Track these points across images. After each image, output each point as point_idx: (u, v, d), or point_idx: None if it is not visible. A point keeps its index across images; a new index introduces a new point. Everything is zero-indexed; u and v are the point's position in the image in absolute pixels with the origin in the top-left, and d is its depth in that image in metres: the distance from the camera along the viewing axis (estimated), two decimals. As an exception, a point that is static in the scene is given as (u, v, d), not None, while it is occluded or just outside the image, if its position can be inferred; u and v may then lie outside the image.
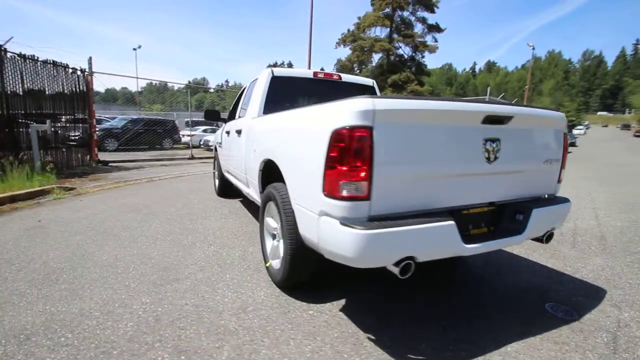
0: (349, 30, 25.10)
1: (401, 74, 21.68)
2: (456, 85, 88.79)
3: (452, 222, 1.62)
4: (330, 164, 1.55)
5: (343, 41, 25.22)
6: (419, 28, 22.38)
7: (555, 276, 2.81)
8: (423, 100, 1.61)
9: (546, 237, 2.10)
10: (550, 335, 1.97)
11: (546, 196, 2.24)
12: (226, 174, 4.78)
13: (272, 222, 2.59)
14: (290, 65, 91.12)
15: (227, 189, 5.36)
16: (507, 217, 1.99)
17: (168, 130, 17.19)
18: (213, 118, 4.71)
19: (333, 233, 1.57)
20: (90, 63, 8.77)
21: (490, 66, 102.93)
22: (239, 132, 3.48)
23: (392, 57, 22.77)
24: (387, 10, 21.27)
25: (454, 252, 1.70)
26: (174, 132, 17.88)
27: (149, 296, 2.27)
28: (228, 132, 4.18)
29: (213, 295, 2.30)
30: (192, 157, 12.14)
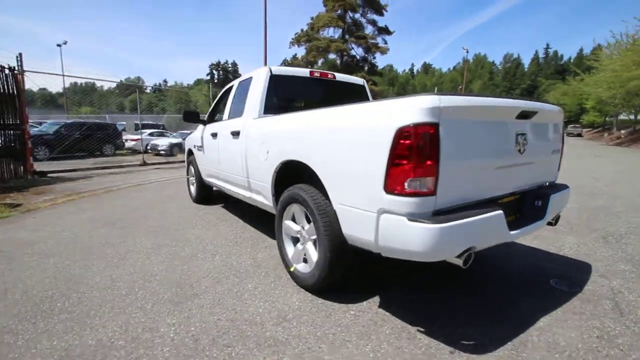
0: (302, 30, 25.14)
1: (356, 74, 22.28)
2: (397, 85, 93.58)
3: (501, 212, 1.72)
4: (396, 161, 1.55)
5: (297, 41, 25.14)
6: (369, 30, 23.41)
7: (544, 255, 3.13)
8: (478, 97, 1.69)
9: (555, 220, 2.33)
10: (567, 307, 2.20)
11: (547, 183, 2.48)
12: (208, 179, 4.50)
13: (292, 225, 2.52)
14: (234, 65, 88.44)
15: (206, 195, 5.06)
16: (529, 204, 2.17)
17: (110, 135, 15.62)
18: (192, 120, 4.43)
19: (400, 229, 1.58)
20: (20, 60, 7.63)
21: (427, 67, 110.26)
22: (235, 133, 3.31)
23: (345, 58, 23.32)
24: (339, 11, 21.70)
25: (502, 240, 1.82)
26: (116, 137, 16.31)
27: (173, 316, 2.07)
28: (214, 134, 3.94)
29: (245, 307, 2.17)
30: (144, 164, 11.20)
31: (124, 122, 22.16)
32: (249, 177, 3.15)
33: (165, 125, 23.85)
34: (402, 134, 1.53)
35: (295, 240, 2.59)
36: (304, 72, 3.46)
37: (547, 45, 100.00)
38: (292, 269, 2.49)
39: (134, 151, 17.54)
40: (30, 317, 2.06)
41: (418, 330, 1.93)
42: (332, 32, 22.78)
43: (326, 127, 1.99)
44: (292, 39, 25.25)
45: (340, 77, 3.73)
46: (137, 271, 2.71)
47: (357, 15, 22.26)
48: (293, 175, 2.53)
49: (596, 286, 2.50)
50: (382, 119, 1.63)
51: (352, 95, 3.86)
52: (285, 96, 3.28)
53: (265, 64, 14.30)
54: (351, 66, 23.08)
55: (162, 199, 5.53)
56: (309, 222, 2.36)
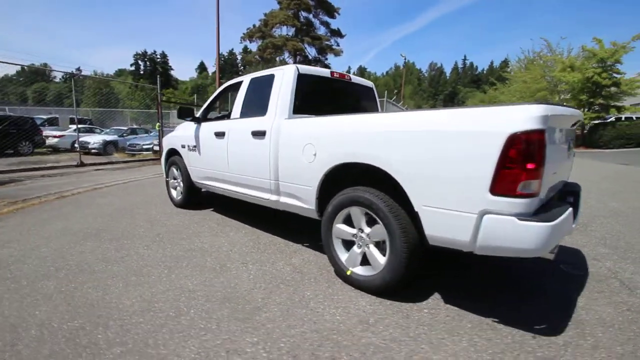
0: (254, 26, 24.28)
1: None
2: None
3: (571, 208, 1.95)
4: (508, 164, 1.65)
5: (249, 36, 24.17)
6: (322, 31, 23.62)
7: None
8: (563, 106, 1.87)
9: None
10: (589, 288, 2.55)
11: (565, 181, 2.84)
12: (205, 182, 4.15)
13: (346, 229, 2.49)
14: (164, 56, 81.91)
15: (195, 199, 4.66)
16: (564, 200, 2.46)
17: (27, 131, 13.26)
18: (187, 116, 4.05)
19: (509, 229, 1.68)
20: None
21: (362, 71, 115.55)
22: (258, 134, 3.11)
23: (298, 57, 23.17)
24: (293, 10, 21.45)
25: (568, 232, 2.04)
26: (34, 133, 13.92)
27: (251, 334, 1.89)
28: (220, 134, 3.65)
29: (319, 316, 2.08)
30: (82, 164, 9.79)
31: (44, 116, 18.97)
32: (278, 179, 3.00)
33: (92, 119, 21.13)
34: (515, 139, 1.63)
35: (347, 244, 2.56)
36: (326, 72, 3.40)
37: (465, 56, 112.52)
38: (348, 273, 2.46)
39: (55, 149, 15.21)
40: (73, 356, 1.71)
41: (494, 321, 2.07)
42: (286, 31, 22.65)
43: (413, 130, 2.01)
44: (244, 33, 24.31)
45: (355, 79, 3.76)
46: (171, 288, 2.41)
47: (310, 16, 22.46)
48: (345, 180, 2.50)
49: (596, 268, 2.93)
50: (490, 125, 1.71)
51: (364, 96, 3.92)
52: (309, 96, 3.20)
53: (218, 57, 13.55)
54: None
55: (137, 205, 4.92)
56: (369, 224, 2.36)
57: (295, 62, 22.81)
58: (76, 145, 14.51)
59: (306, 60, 23.08)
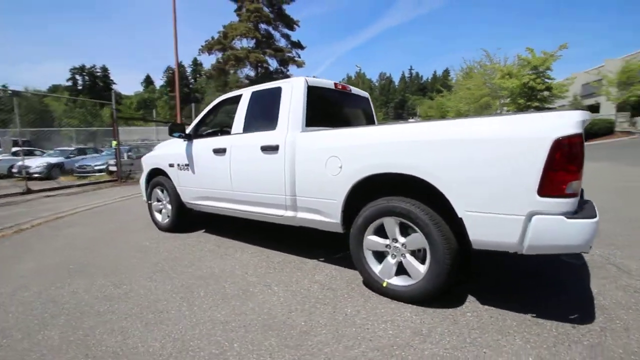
0: (213, 38, 23.41)
1: None
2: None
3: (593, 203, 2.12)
4: (556, 167, 1.75)
5: (208, 48, 23.28)
6: (282, 43, 23.55)
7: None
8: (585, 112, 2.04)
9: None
10: (594, 275, 2.77)
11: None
12: (200, 202, 3.88)
13: (378, 240, 2.47)
14: (105, 70, 76.57)
15: (185, 222, 4.35)
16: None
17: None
18: (178, 133, 3.80)
19: (558, 227, 1.78)
20: None
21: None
22: (269, 148, 3.00)
23: (259, 69, 22.80)
24: (253, 22, 21.12)
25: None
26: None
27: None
28: (220, 150, 3.45)
29: (372, 333, 2.02)
30: (29, 191, 8.70)
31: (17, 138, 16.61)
32: (295, 195, 2.91)
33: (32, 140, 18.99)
34: (560, 143, 1.74)
35: (378, 255, 2.53)
36: (330, 83, 3.40)
37: (411, 67, 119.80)
38: (384, 285, 2.43)
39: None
40: (122, 414, 1.47)
41: (533, 317, 2.16)
42: (246, 43, 22.25)
43: (455, 138, 2.05)
44: (202, 46, 23.43)
45: (353, 89, 3.79)
46: (199, 322, 2.19)
47: (270, 28, 22.33)
48: (373, 191, 2.48)
49: (589, 257, 3.20)
50: (535, 131, 1.81)
51: (362, 106, 3.97)
52: (316, 108, 3.16)
53: (177, 70, 12.95)
54: (270, 78, 22.74)
55: (114, 233, 4.46)
56: (403, 234, 2.37)
57: (257, 75, 22.58)
58: (14, 169, 12.96)
59: (267, 72, 22.93)
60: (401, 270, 2.42)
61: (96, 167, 12.56)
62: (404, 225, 2.35)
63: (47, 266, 3.28)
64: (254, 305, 2.40)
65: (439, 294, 2.26)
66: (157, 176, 4.43)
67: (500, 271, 2.92)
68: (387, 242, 2.44)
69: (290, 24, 22.93)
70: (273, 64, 22.82)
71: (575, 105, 24.52)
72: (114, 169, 11.56)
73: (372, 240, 2.49)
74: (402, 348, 1.87)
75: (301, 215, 2.94)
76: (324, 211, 2.75)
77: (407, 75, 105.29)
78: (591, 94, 31.36)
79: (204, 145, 3.74)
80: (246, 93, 3.48)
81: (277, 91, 3.15)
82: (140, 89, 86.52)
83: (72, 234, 4.52)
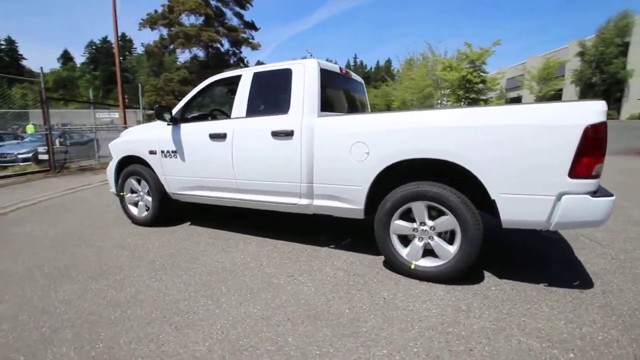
0: (157, 12, 20.64)
1: (235, 69, 20.58)
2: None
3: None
4: (586, 151, 1.94)
5: (151, 22, 20.50)
6: (235, 23, 21.86)
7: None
8: None
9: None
10: (574, 247, 3.17)
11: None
12: (190, 192, 3.57)
13: (405, 224, 2.53)
14: (11, 42, 65.19)
15: (168, 214, 3.98)
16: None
17: None
18: (166, 116, 3.42)
19: (584, 205, 1.99)
20: None
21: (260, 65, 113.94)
22: (283, 133, 2.84)
23: (209, 50, 20.95)
24: None
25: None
26: None
27: (376, 348, 1.78)
28: (218, 135, 3.18)
29: (419, 314, 2.08)
30: None
31: None
32: (313, 182, 2.82)
33: None
34: (590, 130, 1.93)
35: (403, 239, 2.59)
36: (336, 68, 3.31)
37: (355, 55, 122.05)
38: (412, 267, 2.50)
39: None
40: None
41: (545, 286, 2.41)
42: (195, 20, 20.18)
43: (489, 124, 2.15)
44: (144, 20, 20.63)
45: (352, 75, 3.75)
46: (236, 320, 2.05)
47: (221, 5, 20.47)
48: (396, 177, 2.52)
49: (571, 236, 3.59)
50: (567, 118, 1.98)
51: (360, 92, 3.95)
52: (325, 92, 3.06)
53: (117, 47, 11.47)
54: (222, 59, 21.11)
55: (81, 230, 3.91)
56: (431, 218, 2.45)
57: (207, 55, 20.85)
58: None
59: (218, 53, 21.32)
60: (427, 252, 2.52)
61: (20, 156, 10.77)
62: (431, 209, 2.43)
63: (15, 273, 2.77)
64: (287, 297, 2.31)
65: (466, 272, 2.40)
66: (131, 164, 3.96)
67: (492, 248, 3.18)
68: (414, 225, 2.51)
69: (242, 1, 21.38)
70: (225, 44, 21.47)
71: (501, 97, 27.40)
72: (44, 157, 10.02)
73: (399, 224, 2.53)
74: (453, 325, 1.96)
75: (318, 202, 2.88)
76: (346, 198, 2.72)
77: (352, 63, 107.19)
78: (515, 88, 35.23)
79: (196, 130, 3.41)
80: (246, 74, 3.23)
81: (286, 73, 2.98)
82: (57, 65, 75.52)
83: (26, 233, 3.85)
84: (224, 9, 20.16)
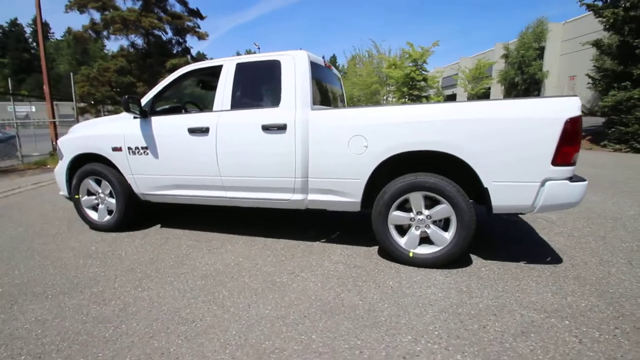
0: None
1: (180, 59, 18.76)
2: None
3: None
4: (567, 141, 2.18)
5: (80, 5, 17.60)
6: (178, 9, 19.85)
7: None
8: None
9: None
10: (535, 227, 3.57)
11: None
12: (165, 192, 3.27)
13: (403, 214, 2.62)
14: None
15: (135, 217, 3.61)
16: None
17: None
18: (135, 108, 3.08)
19: (563, 190, 2.25)
20: None
21: (202, 57, 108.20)
22: (274, 127, 2.74)
23: (150, 38, 18.83)
24: None
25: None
26: None
27: (401, 335, 1.83)
28: (199, 130, 2.96)
29: (428, 298, 2.18)
30: None
31: None
32: (308, 176, 2.77)
33: None
34: (569, 122, 2.17)
35: (399, 229, 2.68)
36: (321, 60, 3.27)
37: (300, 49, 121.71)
38: (411, 255, 2.60)
39: None
40: None
41: (525, 263, 2.67)
42: (131, 4, 17.96)
43: (484, 118, 2.30)
44: (70, 1, 17.72)
45: (332, 68, 3.74)
46: (251, 323, 1.95)
47: None
48: (401, 168, 2.60)
49: (525, 216, 4.06)
50: (549, 112, 2.20)
51: (338, 85, 3.95)
52: (314, 85, 3.02)
53: (41, 30, 9.93)
54: (165, 49, 19.17)
55: (29, 240, 3.37)
56: (427, 207, 2.57)
57: (147, 44, 18.79)
58: None
59: (160, 42, 19.41)
60: (421, 240, 2.64)
61: None
62: (426, 199, 2.55)
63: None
64: (296, 295, 2.25)
65: (459, 257, 2.57)
66: (86, 164, 3.50)
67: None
68: (411, 215, 2.61)
69: None
70: (168, 33, 19.69)
71: (438, 95, 29.65)
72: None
73: (397, 215, 2.61)
74: (461, 306, 2.09)
75: (313, 197, 2.84)
76: (343, 191, 2.72)
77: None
78: (450, 86, 38.19)
79: (171, 123, 3.14)
80: (228, 64, 3.03)
81: (274, 64, 2.87)
82: (-52, 50, 63.53)
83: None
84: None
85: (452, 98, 35.11)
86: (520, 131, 2.27)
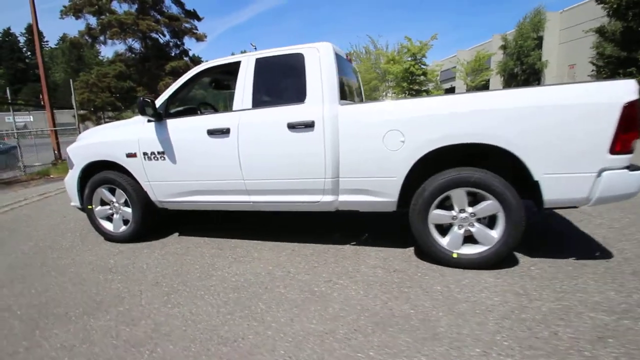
0: None
1: (179, 61, 18.49)
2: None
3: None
4: (625, 128, 2.01)
5: (75, 10, 17.24)
6: (174, 11, 19.47)
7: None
8: None
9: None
10: (571, 220, 3.41)
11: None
12: (184, 199, 3.10)
13: (444, 213, 2.46)
14: None
15: (151, 226, 3.43)
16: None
17: None
18: (145, 112, 2.91)
19: (622, 179, 2.08)
20: None
21: (196, 59, 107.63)
22: (300, 125, 2.56)
23: (147, 41, 18.51)
24: None
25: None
26: None
27: (469, 347, 1.66)
28: (222, 131, 2.79)
29: (485, 304, 2.01)
30: None
31: None
32: (339, 176, 2.60)
33: None
34: (628, 106, 2.00)
35: (440, 227, 2.51)
36: (343, 52, 3.09)
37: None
38: (455, 256, 2.44)
39: None
40: None
41: (575, 260, 2.51)
42: (128, 7, 17.55)
43: (532, 105, 2.13)
44: (66, 6, 17.33)
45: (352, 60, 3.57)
46: (298, 339, 1.78)
47: None
48: (433, 164, 2.42)
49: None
50: (605, 97, 2.03)
51: (356, 78, 3.78)
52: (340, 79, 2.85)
53: (38, 37, 9.71)
54: (163, 52, 18.86)
55: (42, 255, 3.19)
56: (471, 205, 2.40)
57: (144, 47, 18.48)
58: None
59: (157, 45, 19.07)
60: (466, 239, 2.47)
61: None
62: (469, 195, 2.38)
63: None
64: (340, 305, 2.08)
65: (507, 257, 2.40)
66: (99, 172, 3.33)
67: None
68: (453, 213, 2.44)
69: None
70: (165, 36, 19.35)
71: (437, 88, 29.46)
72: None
73: (438, 213, 2.45)
74: (522, 311, 1.93)
75: (344, 198, 2.67)
76: (377, 190, 2.55)
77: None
78: (448, 79, 38.02)
79: (188, 126, 2.96)
80: (247, 60, 2.86)
81: (297, 58, 2.69)
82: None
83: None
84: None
85: (451, 91, 34.92)
86: (574, 119, 2.10)
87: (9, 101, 10.21)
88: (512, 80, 29.04)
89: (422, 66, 24.08)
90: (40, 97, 10.37)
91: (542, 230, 3.17)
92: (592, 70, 15.10)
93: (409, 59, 23.64)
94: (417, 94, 25.60)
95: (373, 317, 1.95)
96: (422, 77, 24.53)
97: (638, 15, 11.92)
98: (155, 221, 3.43)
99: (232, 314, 2.05)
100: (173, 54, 19.82)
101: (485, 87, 30.37)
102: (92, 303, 2.29)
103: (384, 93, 29.05)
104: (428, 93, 25.39)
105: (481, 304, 2.02)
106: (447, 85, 38.85)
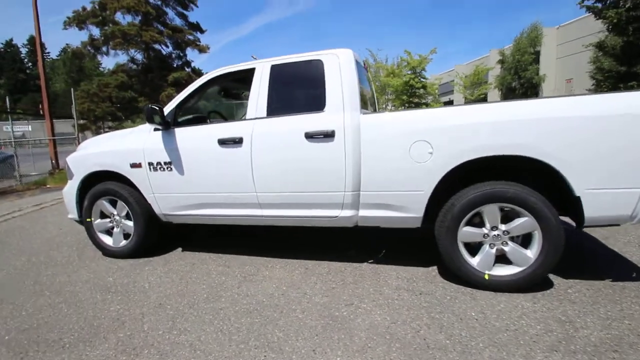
0: (84, 9, 17.45)
1: (181, 73, 18.44)
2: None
3: None
4: (674, 139, 1.87)
5: (79, 21, 17.22)
6: (178, 23, 19.50)
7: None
8: None
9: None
10: (597, 237, 3.24)
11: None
12: (191, 212, 2.90)
13: (474, 230, 2.28)
14: None
15: (155, 240, 3.23)
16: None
17: None
18: (158, 119, 2.75)
19: (673, 195, 1.92)
20: None
21: (197, 71, 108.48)
22: (320, 135, 2.40)
23: (150, 52, 18.48)
24: None
25: None
26: None
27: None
28: (234, 140, 2.62)
29: (525, 333, 1.82)
30: None
31: None
32: (360, 190, 2.43)
33: None
34: (679, 116, 1.86)
35: (469, 246, 2.33)
36: (361, 60, 2.97)
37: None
38: (487, 277, 2.25)
39: None
40: None
41: (611, 282, 2.33)
42: (132, 19, 17.62)
43: (573, 116, 1.99)
44: (70, 17, 17.27)
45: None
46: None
47: (160, 4, 18.17)
48: (469, 177, 2.26)
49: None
50: (656, 106, 1.89)
51: (370, 87, 3.65)
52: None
53: (40, 48, 9.62)
54: (166, 62, 18.82)
55: (35, 271, 2.97)
56: (503, 221, 2.23)
57: (147, 58, 18.45)
58: None
59: (160, 56, 19.08)
60: (499, 259, 2.29)
61: None
62: (501, 211, 2.21)
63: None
64: (366, 334, 1.88)
65: (543, 278, 2.22)
66: (100, 183, 3.13)
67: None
68: (484, 230, 2.26)
69: (185, 1, 19.33)
70: (168, 47, 19.37)
71: (435, 102, 29.59)
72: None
73: (468, 231, 2.27)
74: (570, 341, 1.73)
75: (364, 213, 2.49)
76: (402, 205, 2.38)
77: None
78: (446, 93, 38.39)
79: (197, 135, 2.79)
80: (262, 67, 2.71)
81: (316, 65, 2.56)
82: None
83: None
84: (165, 9, 18.19)
85: (449, 104, 35.19)
86: (619, 130, 1.95)
87: (8, 110, 10.01)
88: (510, 94, 29.31)
89: (422, 79, 24.29)
90: (40, 106, 10.17)
91: (571, 249, 2.99)
92: (592, 85, 15.18)
93: (409, 72, 23.84)
94: (417, 106, 25.73)
95: (405, 348, 1.74)
96: (421, 90, 24.69)
97: (638, 30, 12.03)
98: (158, 236, 3.22)
99: (246, 343, 1.84)
100: (175, 65, 19.81)
101: (484, 100, 30.64)
102: (89, 328, 2.06)
103: (384, 105, 29.13)
104: (427, 106, 25.53)
105: (523, 332, 1.82)
106: (445, 99, 39.18)
